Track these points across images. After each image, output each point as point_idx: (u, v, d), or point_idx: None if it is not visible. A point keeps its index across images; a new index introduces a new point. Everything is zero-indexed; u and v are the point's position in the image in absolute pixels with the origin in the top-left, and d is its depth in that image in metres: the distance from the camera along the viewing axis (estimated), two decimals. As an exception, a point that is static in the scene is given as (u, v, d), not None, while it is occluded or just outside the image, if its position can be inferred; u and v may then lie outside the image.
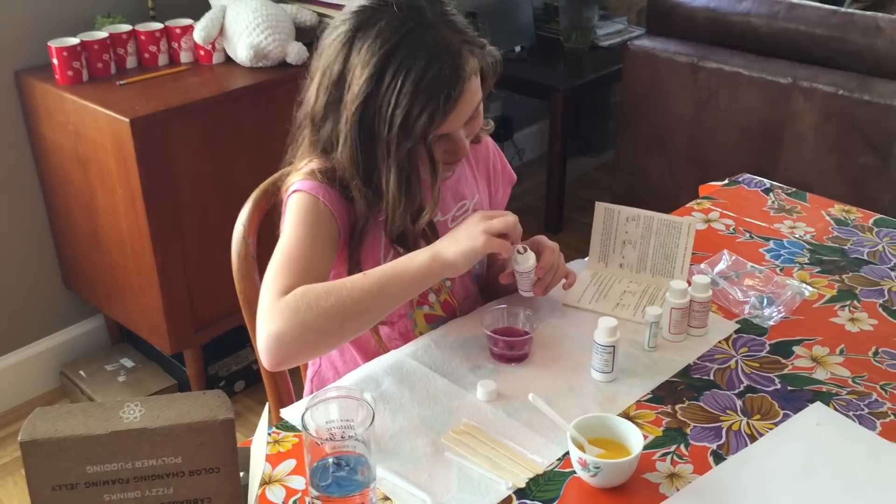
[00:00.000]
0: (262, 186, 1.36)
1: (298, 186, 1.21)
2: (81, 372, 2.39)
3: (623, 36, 3.39)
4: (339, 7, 2.31)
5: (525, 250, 1.25)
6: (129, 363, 2.42)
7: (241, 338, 2.00)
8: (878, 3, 4.75)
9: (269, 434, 1.10)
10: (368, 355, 1.29)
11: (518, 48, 3.27)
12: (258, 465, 0.86)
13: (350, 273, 1.23)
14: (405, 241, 1.22)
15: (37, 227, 2.33)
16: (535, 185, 3.46)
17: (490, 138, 1.42)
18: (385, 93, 1.12)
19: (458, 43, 1.14)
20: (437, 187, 1.20)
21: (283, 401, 1.36)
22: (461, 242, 1.15)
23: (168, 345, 2.16)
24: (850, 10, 2.47)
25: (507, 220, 1.18)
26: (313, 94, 1.19)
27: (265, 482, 1.02)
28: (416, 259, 1.14)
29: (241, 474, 0.83)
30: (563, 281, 1.33)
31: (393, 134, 1.13)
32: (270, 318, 1.09)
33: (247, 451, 0.92)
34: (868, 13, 2.43)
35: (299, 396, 1.37)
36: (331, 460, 0.94)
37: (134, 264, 2.11)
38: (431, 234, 1.24)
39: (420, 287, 1.17)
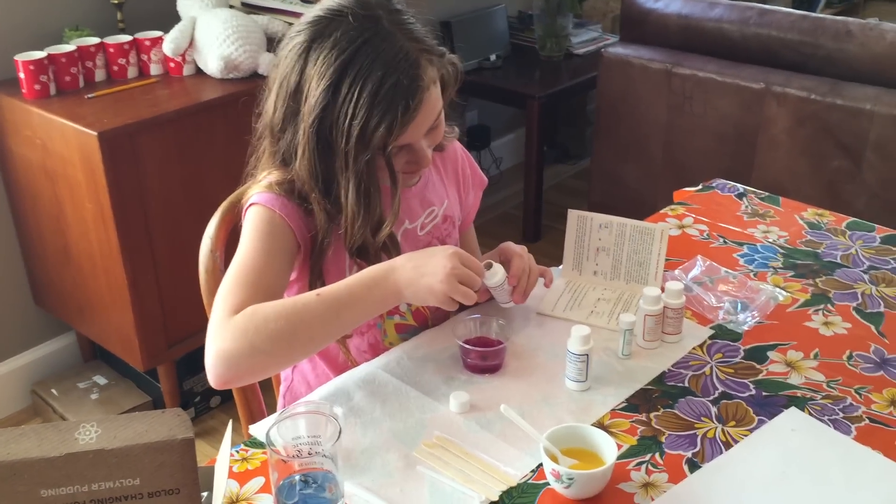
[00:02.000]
0: (228, 200, 1.34)
1: (256, 199, 1.19)
2: (53, 390, 2.35)
3: (597, 43, 3.40)
4: (310, 17, 2.29)
5: (491, 265, 1.24)
6: (101, 380, 2.38)
7: (215, 352, 1.97)
8: (849, 8, 4.79)
9: (237, 451, 1.08)
10: (339, 369, 1.27)
11: (493, 57, 3.27)
12: (220, 485, 0.83)
13: (311, 286, 1.21)
14: (366, 255, 1.20)
15: (5, 243, 2.29)
16: (512, 194, 3.45)
17: (458, 143, 1.41)
18: (342, 104, 1.10)
19: (416, 52, 1.12)
20: (396, 199, 1.18)
21: (255, 417, 1.33)
22: (421, 288, 1.11)
23: (141, 361, 2.13)
24: (821, 16, 2.49)
25: (475, 276, 1.13)
26: (271, 105, 1.18)
27: (232, 501, 1.00)
28: (374, 290, 1.11)
29: (205, 494, 0.81)
30: (542, 280, 1.31)
31: (351, 145, 1.11)
32: (220, 336, 1.07)
33: (210, 470, 0.90)
34: (839, 18, 2.45)
35: (272, 411, 1.35)
36: (297, 478, 0.92)
37: (105, 280, 2.08)
38: (392, 246, 1.22)
39: (374, 314, 1.16)
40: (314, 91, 1.11)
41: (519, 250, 1.30)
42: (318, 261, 1.21)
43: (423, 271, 1.12)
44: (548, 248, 3.19)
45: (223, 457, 0.86)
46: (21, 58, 2.02)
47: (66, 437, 0.75)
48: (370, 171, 1.14)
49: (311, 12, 1.16)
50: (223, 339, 1.07)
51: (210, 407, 2.39)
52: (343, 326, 1.14)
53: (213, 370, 1.07)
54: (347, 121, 1.10)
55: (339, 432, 0.91)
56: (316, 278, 1.21)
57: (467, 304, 1.15)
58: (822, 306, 1.36)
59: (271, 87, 1.19)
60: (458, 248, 1.15)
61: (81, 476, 0.75)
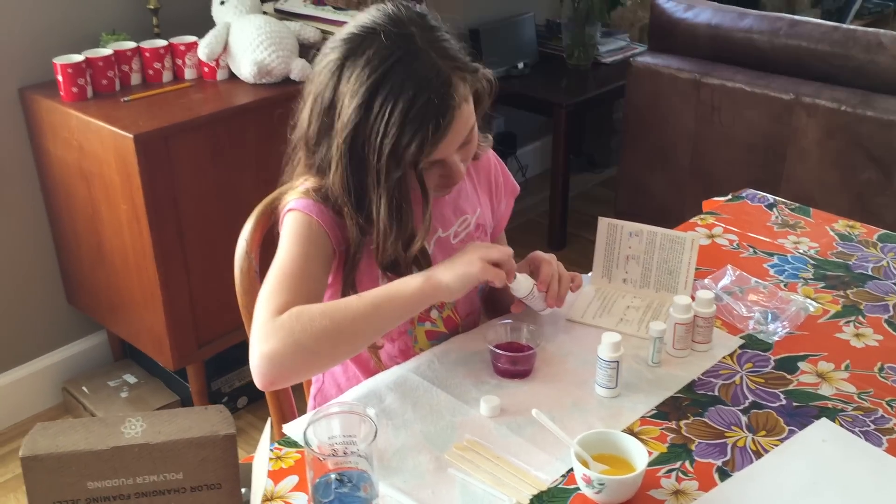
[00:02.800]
0: (264, 202, 1.36)
1: (294, 205, 1.21)
2: (84, 388, 2.38)
3: (625, 52, 3.40)
4: (342, 24, 2.32)
5: (515, 277, 1.25)
6: (131, 379, 2.42)
7: (244, 354, 1.97)
8: (880, 19, 4.76)
9: (272, 450, 1.09)
10: (369, 372, 1.28)
11: (521, 65, 3.28)
12: (259, 482, 0.85)
13: (344, 296, 1.23)
14: (397, 269, 1.22)
15: (40, 243, 2.33)
16: (538, 201, 3.46)
17: (492, 150, 1.42)
18: (374, 122, 1.11)
19: (448, 70, 1.13)
20: (427, 215, 1.19)
21: (286, 417, 1.35)
22: (457, 268, 1.15)
23: (171, 361, 2.16)
24: (852, 27, 2.48)
25: (504, 250, 1.19)
26: (306, 118, 1.20)
27: (267, 499, 1.01)
28: (411, 283, 1.14)
29: (243, 490, 0.83)
30: (570, 284, 1.32)
31: (382, 162, 1.12)
32: (264, 337, 1.09)
33: (248, 467, 0.91)
34: (870, 29, 2.44)
35: (302, 412, 1.36)
36: (333, 476, 0.93)
37: (137, 280, 2.11)
38: (423, 261, 1.23)
39: (414, 310, 1.18)
40: (347, 109, 1.12)
41: (546, 257, 1.31)
42: (350, 273, 1.23)
43: (454, 263, 1.16)
44: (573, 255, 3.19)
45: (262, 454, 0.88)
46: (59, 61, 2.06)
47: (112, 431, 0.77)
48: (402, 188, 1.15)
49: (345, 29, 1.18)
50: (268, 339, 1.08)
51: (237, 408, 2.42)
52: (385, 323, 1.15)
53: (260, 370, 1.09)
54: (379, 138, 1.11)
55: (375, 432, 0.92)
56: (349, 289, 1.23)
57: (505, 266, 1.18)
58: (853, 318, 1.36)
59: (306, 100, 1.20)
60: (481, 243, 1.20)
61: (127, 469, 0.77)
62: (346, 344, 1.12)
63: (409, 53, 1.12)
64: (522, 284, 1.25)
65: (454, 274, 1.15)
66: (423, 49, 1.13)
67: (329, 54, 1.17)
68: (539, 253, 1.32)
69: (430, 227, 1.20)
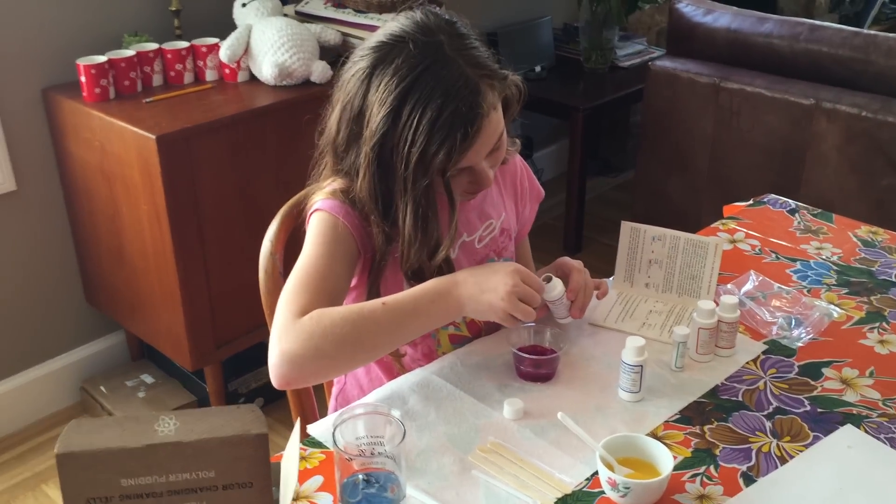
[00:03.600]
0: (289, 203, 1.37)
1: (320, 206, 1.22)
2: (102, 388, 2.40)
3: (642, 56, 3.40)
4: (362, 27, 2.33)
5: (551, 279, 1.25)
6: (149, 379, 2.43)
7: (262, 355, 1.98)
8: (898, 25, 4.74)
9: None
10: (392, 375, 1.29)
11: (538, 68, 3.28)
12: (290, 481, 0.86)
13: (368, 300, 1.23)
14: (421, 277, 1.22)
15: (60, 242, 2.35)
16: (554, 205, 3.46)
17: (518, 155, 1.42)
18: (402, 130, 1.12)
19: (477, 78, 1.13)
20: (453, 224, 1.19)
21: (308, 417, 1.36)
22: (482, 304, 1.14)
23: (189, 361, 2.17)
24: (872, 32, 2.47)
25: (536, 295, 1.17)
26: (334, 125, 1.20)
27: (293, 498, 1.02)
28: (438, 302, 1.14)
29: (273, 489, 0.83)
30: (596, 292, 1.32)
31: (410, 171, 1.13)
32: (285, 337, 1.10)
33: (277, 466, 0.92)
34: (891, 35, 2.43)
35: (323, 414, 1.37)
36: (360, 477, 0.94)
37: (157, 280, 2.13)
38: (447, 269, 1.23)
39: (436, 326, 1.19)
40: (375, 117, 1.13)
41: (577, 265, 1.31)
42: (375, 279, 1.23)
43: (484, 287, 1.14)
44: (589, 259, 3.16)
45: (292, 454, 0.88)
46: (83, 62, 2.08)
47: (146, 429, 0.78)
48: (428, 197, 1.15)
49: (374, 37, 1.18)
50: (289, 340, 1.09)
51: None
52: (406, 336, 1.17)
53: (278, 370, 1.10)
54: (407, 147, 1.12)
55: (403, 434, 0.93)
56: (374, 295, 1.23)
57: (526, 322, 1.17)
58: (877, 324, 1.35)
59: (334, 106, 1.20)
60: (520, 266, 1.17)
61: (160, 466, 0.77)
62: (365, 353, 1.14)
63: (437, 62, 1.12)
64: (556, 289, 1.25)
65: (477, 311, 1.15)
66: (452, 57, 1.13)
67: (358, 62, 1.17)
68: (568, 260, 1.32)
69: (455, 237, 1.21)
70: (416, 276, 1.22)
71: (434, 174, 1.14)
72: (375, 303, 1.14)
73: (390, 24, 1.18)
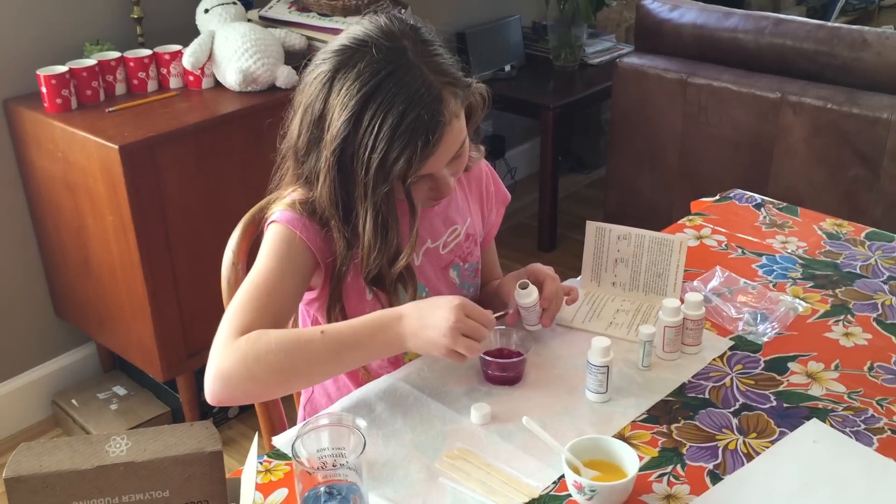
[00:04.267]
0: (250, 212, 1.35)
1: (277, 217, 1.20)
2: (73, 401, 2.37)
3: (612, 53, 3.41)
4: (327, 31, 2.31)
5: (527, 285, 1.25)
6: (121, 391, 2.40)
7: (234, 363, 1.99)
8: (864, 16, 4.78)
9: (261, 463, 1.09)
10: (359, 382, 1.28)
11: (508, 67, 3.28)
12: (248, 496, 0.84)
13: (330, 309, 1.22)
14: (381, 284, 1.21)
15: (27, 255, 2.31)
16: (527, 204, 3.46)
17: (483, 159, 1.42)
18: (363, 136, 1.10)
19: (440, 85, 1.12)
20: (414, 232, 1.18)
21: (276, 428, 1.34)
22: (423, 340, 1.11)
23: (161, 372, 2.15)
24: (836, 25, 2.48)
25: (482, 330, 1.12)
26: (296, 129, 1.18)
27: (257, 512, 1.01)
28: (378, 335, 1.12)
29: (231, 506, 0.82)
30: (566, 298, 1.32)
31: (370, 177, 1.12)
32: (221, 356, 1.10)
33: (237, 481, 0.91)
34: (854, 27, 2.45)
35: (292, 423, 1.35)
36: (322, 489, 0.93)
37: (125, 291, 2.10)
38: (409, 277, 1.22)
39: (376, 359, 1.18)
40: (336, 121, 1.11)
41: (551, 273, 1.30)
42: (336, 285, 1.22)
43: (426, 323, 1.11)
44: (563, 257, 3.19)
45: (250, 469, 0.87)
46: (43, 72, 2.05)
47: (97, 450, 0.76)
48: (388, 203, 1.14)
49: (337, 40, 1.17)
50: (224, 359, 1.09)
51: (228, 417, 2.40)
52: (343, 366, 1.16)
53: (210, 387, 1.10)
54: (367, 153, 1.11)
55: (364, 445, 0.92)
56: (335, 302, 1.22)
57: (470, 357, 1.13)
58: (842, 317, 1.36)
59: (296, 110, 1.19)
60: (465, 300, 1.13)
61: (112, 488, 0.76)
62: (298, 380, 1.13)
63: (400, 67, 1.11)
64: (531, 295, 1.25)
65: (418, 346, 1.12)
66: (415, 63, 1.12)
67: (320, 65, 1.16)
68: (540, 266, 1.32)
69: (416, 244, 1.19)
70: (377, 283, 1.21)
71: (394, 181, 1.13)
72: (314, 330, 1.12)
73: (354, 28, 1.17)
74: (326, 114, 1.14)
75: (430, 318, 1.11)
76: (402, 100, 1.10)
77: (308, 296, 1.27)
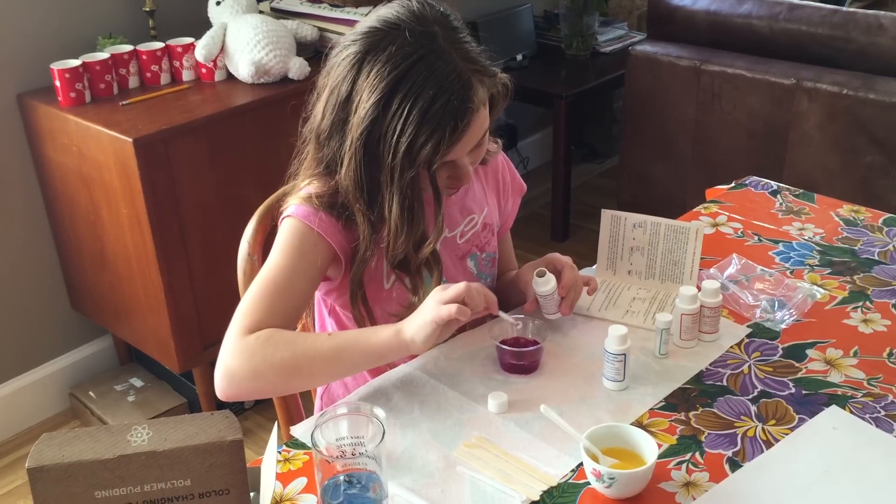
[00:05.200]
0: (265, 203, 1.36)
1: (292, 212, 1.20)
2: (91, 393, 2.38)
3: (624, 41, 3.39)
4: (339, 21, 2.31)
5: (545, 273, 1.25)
6: (138, 383, 2.42)
7: (250, 355, 1.99)
8: (879, 1, 4.74)
9: (279, 452, 1.09)
10: (376, 372, 1.28)
11: (519, 56, 3.27)
12: (268, 486, 0.85)
13: (352, 296, 1.22)
14: (407, 269, 1.21)
15: (43, 249, 2.33)
16: (540, 193, 3.45)
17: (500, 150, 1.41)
18: (391, 119, 1.10)
19: (469, 73, 1.12)
20: (440, 216, 1.18)
21: (293, 418, 1.35)
22: (418, 318, 1.11)
23: (177, 363, 2.16)
24: (851, 10, 2.46)
25: (459, 289, 1.11)
26: (320, 111, 1.18)
27: (276, 501, 1.01)
28: (381, 334, 1.13)
29: (252, 494, 0.82)
30: (586, 289, 1.32)
31: (397, 161, 1.11)
32: (229, 353, 1.11)
33: (257, 470, 0.91)
34: (870, 11, 2.43)
35: (309, 413, 1.36)
36: (342, 478, 0.93)
37: (141, 283, 2.11)
38: (434, 263, 1.22)
39: (378, 361, 1.16)
40: (364, 103, 1.11)
41: (568, 262, 1.30)
42: (358, 271, 1.21)
43: (418, 312, 1.13)
44: (576, 247, 3.18)
45: (270, 458, 0.87)
46: (57, 66, 2.06)
47: (118, 440, 0.77)
48: (414, 187, 1.14)
49: (366, 22, 1.16)
50: (232, 356, 1.10)
51: (244, 408, 2.42)
52: (344, 367, 1.16)
53: (218, 383, 1.12)
54: (395, 136, 1.10)
55: (383, 433, 0.92)
56: (357, 289, 1.22)
57: (461, 319, 1.11)
58: (860, 304, 1.35)
59: (320, 92, 1.18)
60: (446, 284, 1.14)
61: (134, 477, 0.76)
62: (303, 380, 1.13)
63: (431, 52, 1.11)
64: (549, 283, 1.25)
65: (416, 326, 1.11)
66: (445, 49, 1.11)
67: (349, 47, 1.15)
68: (559, 256, 1.31)
69: (442, 229, 1.19)
70: (402, 267, 1.21)
71: (420, 166, 1.13)
72: (322, 334, 1.14)
73: (384, 11, 1.16)
74: (354, 96, 1.13)
75: (419, 311, 1.13)
76: (432, 84, 1.09)
77: (326, 286, 1.27)
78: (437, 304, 1.11)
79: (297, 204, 1.20)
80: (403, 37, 1.11)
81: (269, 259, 1.19)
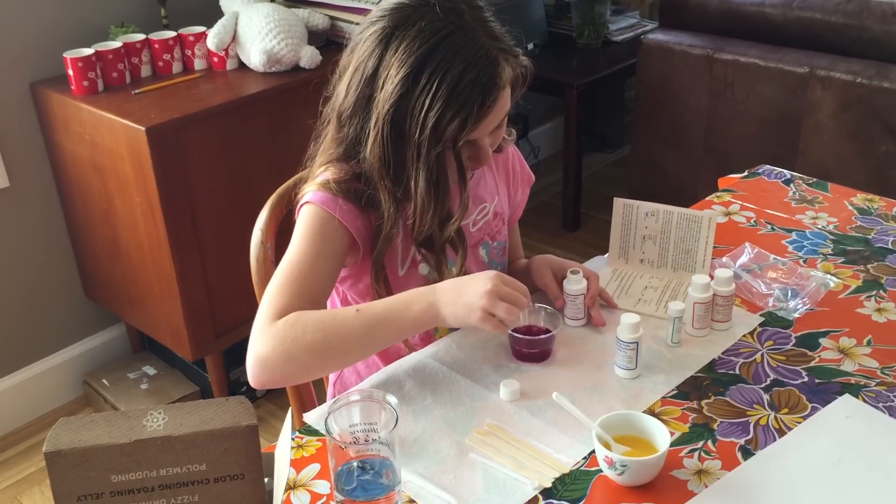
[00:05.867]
0: (278, 191, 1.36)
1: (310, 198, 1.19)
2: (104, 381, 2.40)
3: (636, 30, 3.37)
4: (351, 10, 2.31)
5: (578, 272, 1.26)
6: (151, 371, 2.43)
7: (262, 343, 2.00)
8: (894, -11, 4.67)
9: (293, 439, 1.10)
10: (389, 359, 1.28)
11: (530, 45, 3.25)
12: (282, 471, 0.85)
13: (376, 276, 1.22)
14: (431, 247, 1.21)
15: (56, 237, 2.34)
16: (551, 183, 3.44)
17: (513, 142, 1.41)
18: (419, 94, 1.10)
19: (496, 50, 1.13)
20: (465, 194, 1.19)
21: (306, 405, 1.35)
22: (460, 306, 1.10)
23: (189, 351, 2.17)
24: (866, -3, 2.44)
25: (513, 310, 1.10)
26: (343, 88, 1.18)
27: (290, 487, 1.02)
28: (412, 308, 1.11)
29: (266, 480, 0.83)
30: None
31: (424, 136, 1.11)
32: (260, 340, 1.10)
33: (270, 456, 0.92)
34: (885, 0, 2.41)
35: (322, 400, 1.37)
36: (355, 464, 0.94)
37: (153, 272, 2.12)
38: (459, 241, 1.22)
39: (411, 334, 1.16)
40: (392, 78, 1.11)
41: (593, 273, 1.30)
42: (382, 250, 1.21)
43: (462, 290, 1.11)
44: (587, 237, 3.18)
45: (284, 444, 0.88)
46: (70, 55, 2.06)
47: (134, 425, 0.77)
48: (440, 164, 1.15)
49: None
50: (263, 343, 1.10)
51: (256, 397, 2.43)
52: (377, 343, 1.15)
53: (252, 372, 1.11)
54: (423, 112, 1.10)
55: (396, 420, 0.92)
56: (379, 270, 1.22)
57: (508, 324, 1.12)
58: (874, 293, 1.35)
59: (343, 70, 1.18)
60: (501, 273, 1.13)
61: (150, 462, 0.77)
62: (336, 360, 1.12)
63: (460, 29, 1.11)
64: (581, 283, 1.26)
65: (454, 313, 1.11)
66: (473, 27, 1.12)
67: (377, 22, 1.14)
68: (585, 267, 1.32)
69: (467, 206, 1.20)
70: (427, 246, 1.22)
71: (446, 143, 1.13)
72: (349, 310, 1.12)
73: None
74: (381, 71, 1.13)
75: (467, 286, 1.11)
76: (461, 60, 1.10)
77: (342, 272, 1.27)
78: (483, 314, 1.09)
79: (314, 190, 1.20)
80: (433, 12, 1.11)
81: (291, 246, 1.19)
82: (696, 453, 1.05)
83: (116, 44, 2.14)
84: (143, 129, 1.91)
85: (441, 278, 1.21)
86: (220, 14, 2.24)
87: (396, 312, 1.12)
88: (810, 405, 1.12)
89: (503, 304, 1.10)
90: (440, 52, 1.10)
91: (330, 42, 2.35)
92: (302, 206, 1.21)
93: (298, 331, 1.09)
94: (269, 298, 1.13)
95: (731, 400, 1.14)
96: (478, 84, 1.10)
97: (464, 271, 1.24)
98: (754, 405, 1.13)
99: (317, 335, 1.09)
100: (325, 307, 1.21)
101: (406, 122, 1.12)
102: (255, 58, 2.16)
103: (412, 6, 1.13)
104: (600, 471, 1.02)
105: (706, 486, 1.00)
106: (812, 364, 1.20)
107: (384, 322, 1.12)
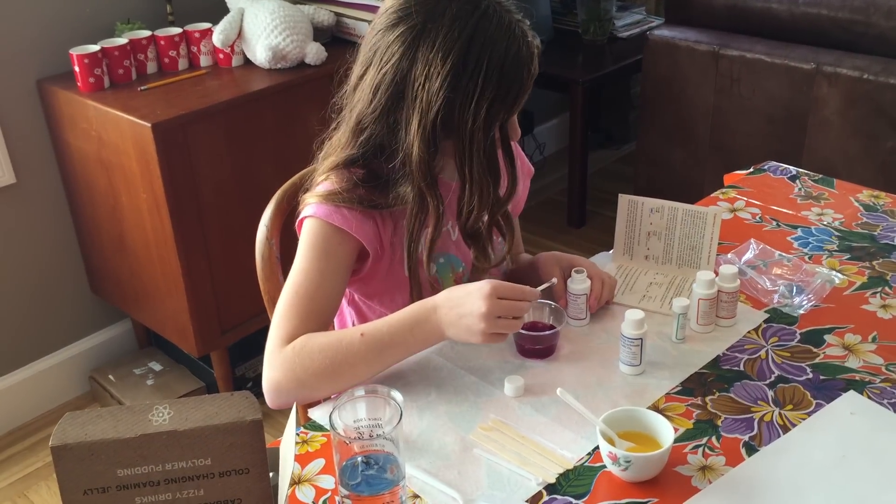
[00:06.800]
0: (283, 188, 1.36)
1: (312, 212, 1.17)
2: (110, 376, 2.41)
3: (641, 26, 3.36)
4: (356, 6, 2.31)
5: (583, 271, 1.27)
6: (157, 366, 2.44)
7: (267, 339, 2.00)
8: (902, -16, 4.65)
9: (298, 434, 1.10)
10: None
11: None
12: (287, 466, 0.86)
13: (410, 270, 1.21)
14: (477, 237, 1.22)
15: (63, 233, 2.35)
16: (556, 179, 3.44)
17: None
18: (469, 82, 1.10)
19: (520, 20, 1.14)
20: (515, 170, 1.21)
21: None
22: (461, 329, 1.10)
23: (195, 347, 2.18)
24: (873, -7, 2.43)
25: (513, 323, 1.11)
26: (367, 95, 1.14)
27: (295, 482, 1.02)
28: (416, 330, 1.12)
29: (271, 475, 0.83)
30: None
31: (478, 123, 1.11)
32: (271, 366, 1.13)
33: (275, 451, 0.92)
34: (892, -5, 2.39)
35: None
36: (360, 459, 0.94)
37: (160, 268, 2.13)
38: (506, 223, 1.24)
39: (416, 352, 1.17)
40: (438, 72, 1.09)
41: (605, 276, 1.31)
42: (414, 249, 1.20)
43: (460, 311, 1.10)
44: (593, 233, 3.18)
45: (289, 438, 0.88)
46: (76, 52, 2.07)
47: (140, 419, 0.78)
48: (492, 146, 1.15)
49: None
50: (275, 369, 1.13)
51: (261, 392, 2.43)
52: (385, 364, 1.16)
53: (268, 396, 1.15)
54: (475, 98, 1.10)
55: (401, 415, 0.92)
56: (413, 262, 1.20)
57: (512, 331, 1.14)
58: (879, 289, 1.34)
59: (364, 72, 1.15)
60: (496, 282, 1.10)
61: (155, 456, 0.77)
62: (347, 381, 1.12)
63: (489, 8, 1.12)
64: (584, 282, 1.26)
65: (458, 336, 1.12)
66: (495, 6, 1.13)
67: (398, 24, 1.12)
68: (596, 265, 1.33)
69: (517, 183, 1.22)
70: (472, 236, 1.23)
71: (499, 122, 1.14)
72: (354, 333, 1.12)
73: None
74: (417, 70, 1.10)
75: (464, 306, 1.10)
76: (502, 37, 1.11)
77: (352, 277, 1.25)
78: (490, 320, 1.09)
79: (315, 203, 1.18)
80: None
81: (295, 264, 1.18)
82: (701, 449, 1.05)
83: (122, 40, 2.14)
84: (150, 125, 1.92)
85: (489, 262, 1.23)
86: (225, 11, 2.24)
87: (402, 336, 1.13)
88: (815, 402, 1.12)
89: (502, 321, 1.10)
90: (480, 35, 1.10)
91: (335, 38, 2.35)
92: (303, 219, 1.20)
93: (306, 357, 1.11)
94: (277, 322, 1.15)
95: (735, 396, 1.14)
96: (521, 57, 1.12)
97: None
98: (759, 401, 1.13)
99: (325, 361, 1.10)
100: (334, 322, 1.22)
101: (455, 115, 1.11)
102: (260, 54, 2.17)
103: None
104: (604, 466, 1.03)
105: (710, 483, 1.01)
106: (817, 360, 1.20)
107: (390, 346, 1.13)
